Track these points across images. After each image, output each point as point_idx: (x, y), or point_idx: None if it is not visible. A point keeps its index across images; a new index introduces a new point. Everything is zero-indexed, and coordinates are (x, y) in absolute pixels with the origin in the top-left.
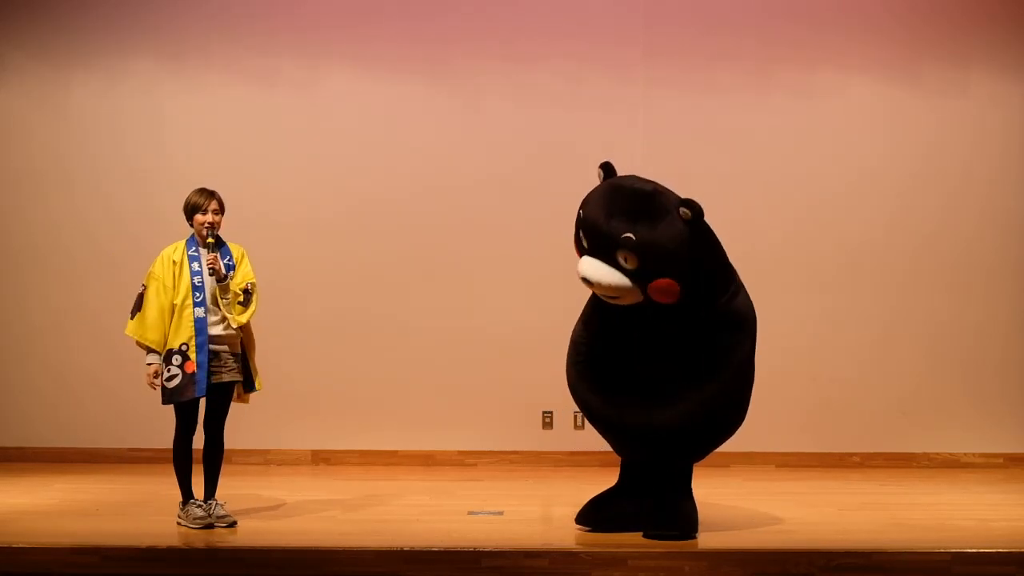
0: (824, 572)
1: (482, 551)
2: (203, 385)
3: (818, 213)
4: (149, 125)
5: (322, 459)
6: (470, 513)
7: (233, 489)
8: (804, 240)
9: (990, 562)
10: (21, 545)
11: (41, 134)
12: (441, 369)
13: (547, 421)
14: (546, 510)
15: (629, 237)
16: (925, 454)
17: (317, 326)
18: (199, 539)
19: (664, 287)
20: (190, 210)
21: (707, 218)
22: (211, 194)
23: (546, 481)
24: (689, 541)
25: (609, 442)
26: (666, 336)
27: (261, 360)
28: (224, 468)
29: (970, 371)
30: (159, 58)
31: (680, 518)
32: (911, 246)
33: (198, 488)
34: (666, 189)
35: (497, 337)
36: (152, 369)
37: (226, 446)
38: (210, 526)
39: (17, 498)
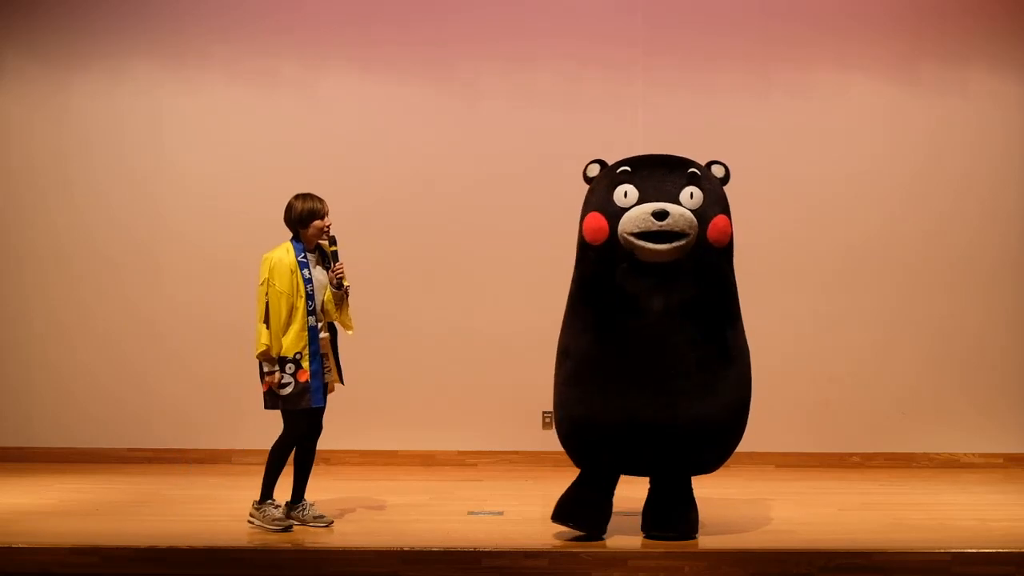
0: (824, 572)
1: (482, 551)
2: (319, 396)
3: (818, 213)
4: (149, 126)
5: (322, 459)
6: (470, 513)
7: (233, 489)
8: (804, 240)
9: (990, 562)
10: (21, 545)
11: (41, 135)
12: (441, 369)
13: (547, 421)
14: (546, 510)
15: (695, 171)
16: (925, 454)
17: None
18: (199, 539)
19: (723, 225)
20: (307, 216)
21: None
22: (323, 199)
23: (546, 481)
24: (689, 541)
25: (621, 462)
26: (674, 329)
27: None
28: (224, 468)
29: (970, 371)
30: (159, 59)
31: (681, 519)
32: (911, 246)
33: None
34: None
35: (497, 337)
36: (276, 378)
37: (227, 446)
38: (288, 529)
39: (17, 498)
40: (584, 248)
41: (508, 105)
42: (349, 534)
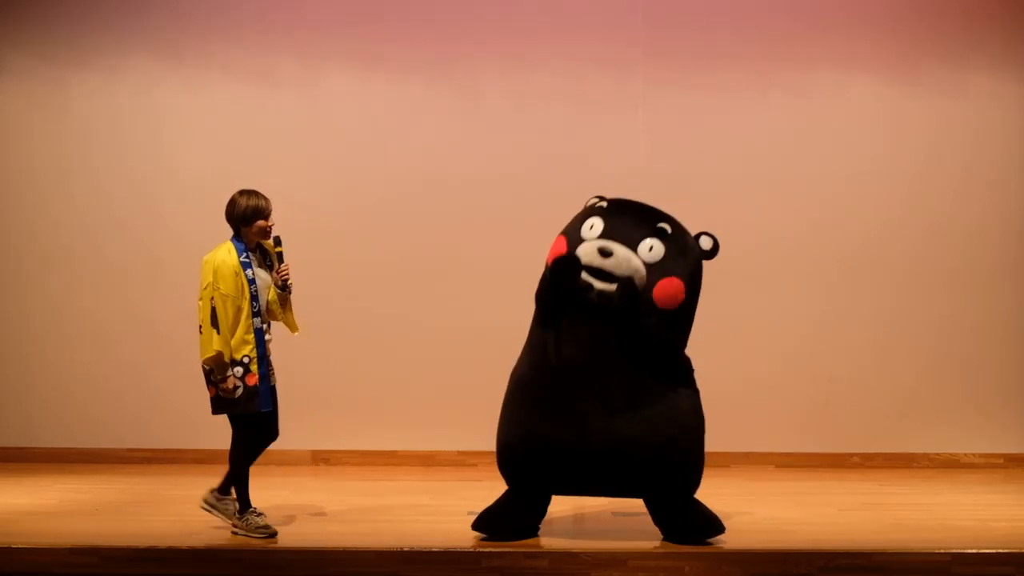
0: (824, 572)
1: (482, 551)
2: (267, 399)
3: (818, 213)
4: (149, 125)
5: (322, 459)
6: (470, 513)
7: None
8: (804, 239)
9: (990, 562)
10: (21, 545)
11: (41, 134)
12: (441, 369)
13: None
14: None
15: (664, 227)
16: (925, 454)
17: (317, 326)
18: (199, 539)
19: (674, 288)
20: (251, 214)
21: (707, 218)
22: (267, 197)
23: None
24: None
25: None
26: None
27: None
28: (225, 468)
29: (970, 371)
30: (159, 57)
31: (690, 528)
32: (911, 246)
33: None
34: None
35: (498, 337)
36: (231, 383)
37: (227, 446)
38: (274, 535)
39: (17, 498)
40: (545, 270)
41: (508, 105)
42: (349, 534)
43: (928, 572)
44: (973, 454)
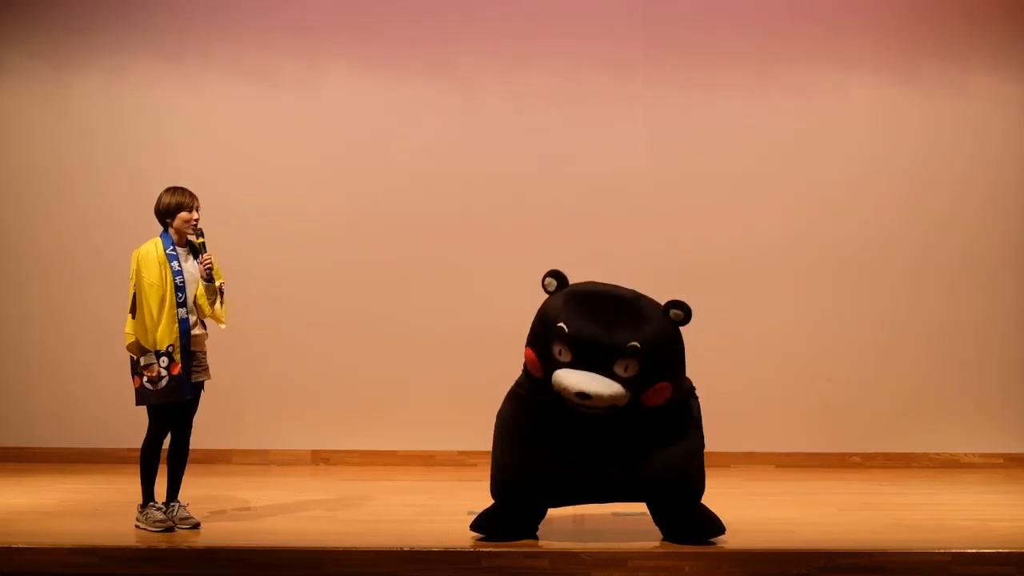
0: (824, 572)
1: (482, 551)
2: (186, 387)
3: (818, 212)
4: (149, 125)
5: (322, 459)
6: (470, 513)
7: (233, 490)
8: (804, 239)
9: (990, 562)
10: (21, 545)
11: (41, 134)
12: (441, 369)
13: None
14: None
15: (635, 346)
16: (925, 454)
17: (317, 326)
18: (199, 539)
19: (661, 389)
20: (173, 208)
21: (707, 217)
22: (192, 193)
23: None
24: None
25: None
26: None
27: (261, 359)
28: (224, 468)
29: (970, 371)
30: (159, 57)
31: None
32: (911, 246)
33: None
34: (637, 292)
35: (498, 337)
36: (155, 370)
37: (227, 446)
38: (170, 529)
39: (17, 498)
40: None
41: (508, 104)
42: (349, 534)
43: (928, 572)
44: (973, 454)
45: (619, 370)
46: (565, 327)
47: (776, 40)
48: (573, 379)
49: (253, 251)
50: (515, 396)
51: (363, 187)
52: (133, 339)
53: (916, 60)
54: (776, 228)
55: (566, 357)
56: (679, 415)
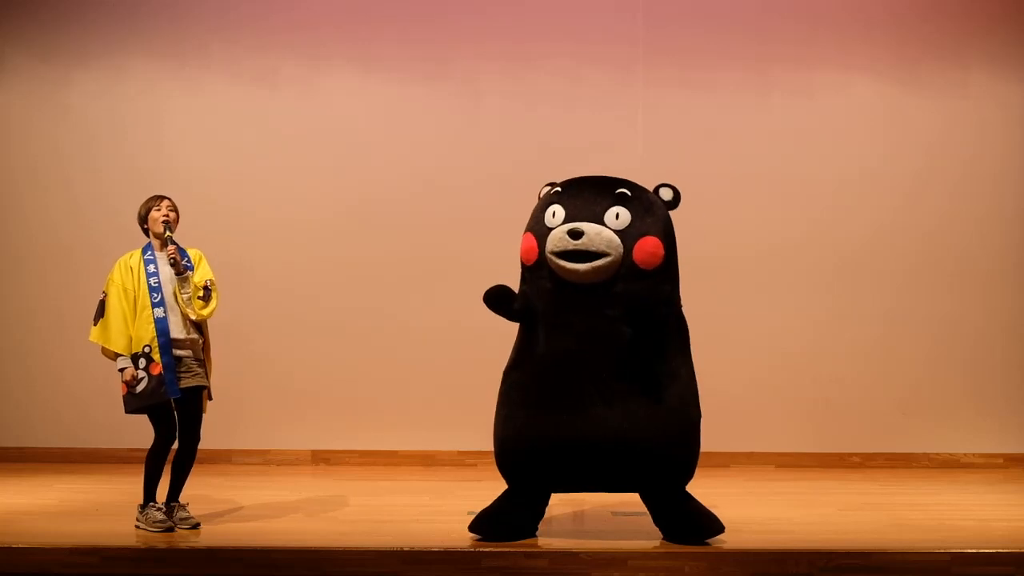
0: (824, 572)
1: (482, 551)
2: (174, 386)
3: (818, 212)
4: (149, 125)
5: (322, 459)
6: (470, 513)
7: (233, 490)
8: (804, 239)
9: (989, 562)
10: (21, 545)
11: (41, 133)
12: (441, 369)
13: None
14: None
15: (625, 192)
16: (925, 454)
17: (317, 326)
18: (199, 539)
19: (651, 247)
20: (144, 213)
21: (707, 217)
22: (160, 196)
23: None
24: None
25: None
26: (616, 347)
27: (261, 359)
28: (224, 468)
29: (970, 371)
30: (159, 58)
31: (704, 520)
32: (911, 246)
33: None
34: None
35: (498, 337)
36: (128, 374)
37: (227, 446)
38: (170, 529)
39: (17, 498)
40: (521, 269)
41: (508, 104)
42: (349, 534)
43: (928, 572)
44: (973, 454)
45: (610, 219)
46: (559, 188)
47: (776, 40)
48: (566, 225)
49: (253, 251)
50: (506, 375)
51: (363, 187)
52: (99, 345)
53: (916, 60)
54: (776, 228)
55: (559, 218)
56: (669, 331)
